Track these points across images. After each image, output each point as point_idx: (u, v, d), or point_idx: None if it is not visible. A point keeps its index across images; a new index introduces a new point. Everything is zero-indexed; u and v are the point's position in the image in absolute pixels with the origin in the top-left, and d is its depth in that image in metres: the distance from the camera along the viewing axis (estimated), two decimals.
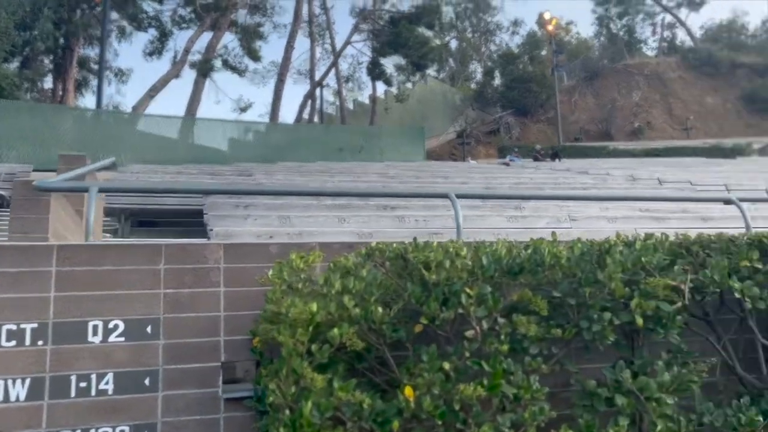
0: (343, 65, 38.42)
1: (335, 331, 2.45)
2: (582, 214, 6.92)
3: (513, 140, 38.24)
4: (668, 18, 55.38)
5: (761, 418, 2.85)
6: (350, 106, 38.68)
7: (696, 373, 2.83)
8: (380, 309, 2.48)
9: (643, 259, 2.84)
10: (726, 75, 49.38)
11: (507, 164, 21.84)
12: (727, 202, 5.76)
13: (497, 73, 43.98)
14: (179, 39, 45.48)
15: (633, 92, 44.03)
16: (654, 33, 55.21)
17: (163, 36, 30.82)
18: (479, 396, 2.48)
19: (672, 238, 3.03)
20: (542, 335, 2.73)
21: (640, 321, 2.78)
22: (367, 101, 38.28)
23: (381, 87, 38.09)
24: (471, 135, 37.96)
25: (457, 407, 2.49)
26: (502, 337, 2.64)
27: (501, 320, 2.68)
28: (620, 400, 2.77)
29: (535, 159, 24.12)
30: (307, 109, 36.17)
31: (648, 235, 2.99)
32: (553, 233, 2.87)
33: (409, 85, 38.66)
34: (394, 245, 2.67)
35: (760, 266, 2.94)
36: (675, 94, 45.82)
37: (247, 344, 3.18)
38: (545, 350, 2.79)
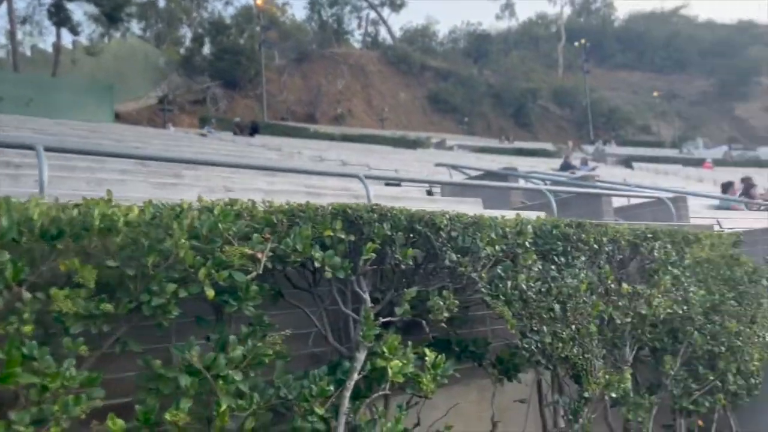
0: (20, 4, 32.94)
1: None
2: (242, 185, 6.72)
3: (220, 112, 37.30)
4: (373, 15, 59.94)
5: (332, 388, 2.86)
6: (27, 52, 33.24)
7: (271, 346, 2.71)
8: None
9: (221, 225, 2.61)
10: (417, 75, 55.45)
11: (204, 135, 21.06)
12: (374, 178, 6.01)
13: (207, 42, 42.35)
14: None
15: (338, 80, 46.51)
16: (360, 26, 59.27)
17: None
18: None
19: (259, 205, 2.88)
20: (88, 312, 2.30)
21: (210, 293, 2.54)
22: (50, 49, 33.33)
23: (70, 36, 33.58)
24: (175, 102, 35.87)
25: None
26: (26, 315, 2.14)
27: (27, 295, 2.18)
28: (184, 380, 2.51)
29: (235, 133, 23.73)
30: None
31: (232, 200, 2.78)
32: (109, 191, 2.47)
33: (105, 39, 34.85)
34: None
35: (343, 236, 2.94)
36: (374, 86, 49.81)
37: None
38: (95, 329, 2.37)
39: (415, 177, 12.49)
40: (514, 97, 57.78)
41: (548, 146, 42.79)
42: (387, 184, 10.74)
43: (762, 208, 12.99)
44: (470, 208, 7.73)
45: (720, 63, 71.62)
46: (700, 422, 4.70)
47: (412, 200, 8.09)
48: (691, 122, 66.20)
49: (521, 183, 9.83)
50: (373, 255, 2.99)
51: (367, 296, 3.06)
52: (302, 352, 3.41)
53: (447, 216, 3.30)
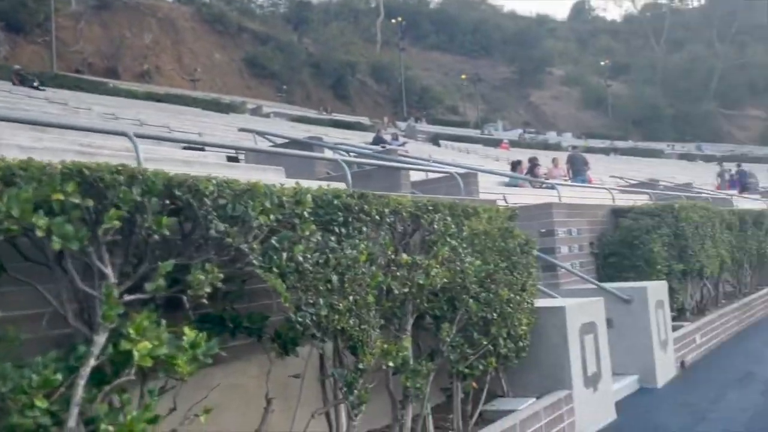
0: None
1: None
2: None
3: (0, 58, 32.52)
4: None
5: (61, 377, 2.44)
6: None
7: None
8: None
9: None
10: (234, 36, 53.14)
11: None
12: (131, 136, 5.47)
13: None
14: None
15: (145, 33, 42.89)
16: None
17: None
18: None
19: None
20: None
21: None
22: None
23: None
24: None
25: None
26: None
27: None
28: None
29: (14, 83, 20.70)
30: None
31: None
32: None
33: None
34: None
35: (77, 200, 2.50)
36: (186, 44, 46.78)
37: None
38: None
39: (220, 142, 11.84)
40: (333, 68, 57.94)
41: (365, 120, 43.65)
42: (185, 148, 10.03)
43: (543, 185, 14.37)
44: (272, 176, 7.44)
45: (520, 52, 78.40)
46: (474, 384, 4.95)
47: (207, 165, 7.55)
48: (493, 105, 71.86)
49: (329, 154, 9.74)
50: (118, 223, 2.59)
51: (109, 270, 2.65)
52: (45, 335, 2.92)
53: (214, 182, 2.99)
